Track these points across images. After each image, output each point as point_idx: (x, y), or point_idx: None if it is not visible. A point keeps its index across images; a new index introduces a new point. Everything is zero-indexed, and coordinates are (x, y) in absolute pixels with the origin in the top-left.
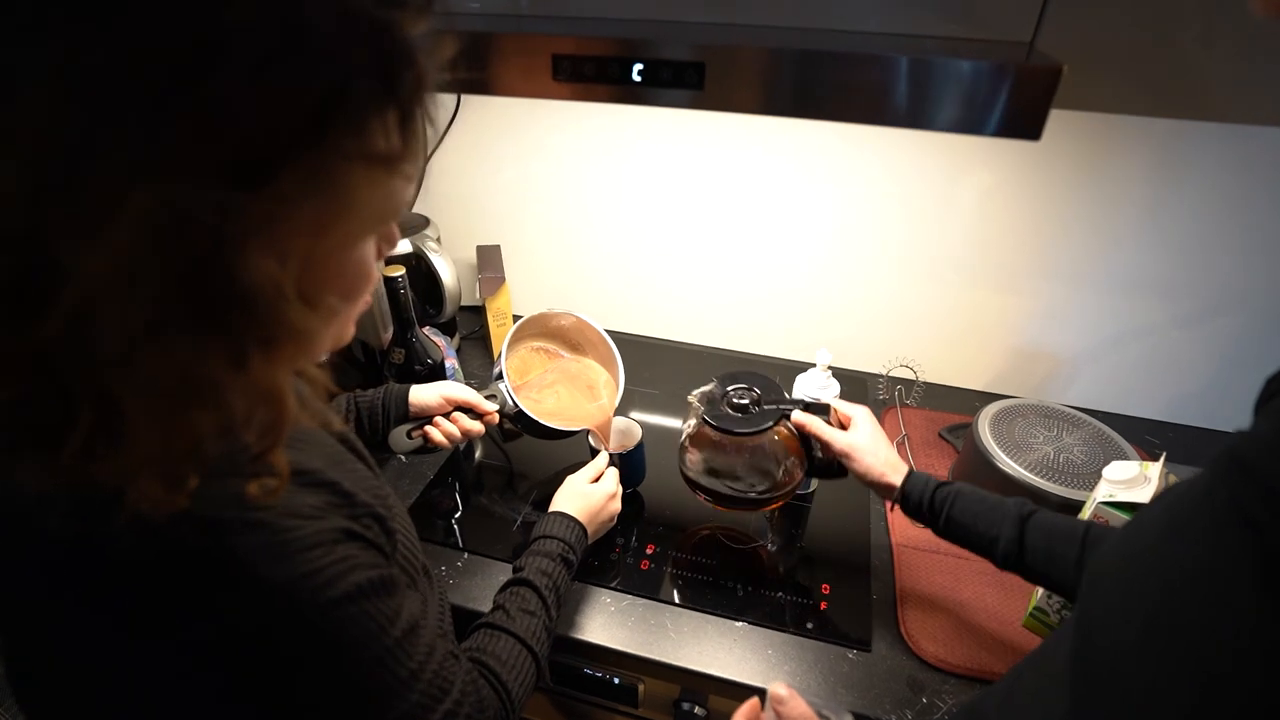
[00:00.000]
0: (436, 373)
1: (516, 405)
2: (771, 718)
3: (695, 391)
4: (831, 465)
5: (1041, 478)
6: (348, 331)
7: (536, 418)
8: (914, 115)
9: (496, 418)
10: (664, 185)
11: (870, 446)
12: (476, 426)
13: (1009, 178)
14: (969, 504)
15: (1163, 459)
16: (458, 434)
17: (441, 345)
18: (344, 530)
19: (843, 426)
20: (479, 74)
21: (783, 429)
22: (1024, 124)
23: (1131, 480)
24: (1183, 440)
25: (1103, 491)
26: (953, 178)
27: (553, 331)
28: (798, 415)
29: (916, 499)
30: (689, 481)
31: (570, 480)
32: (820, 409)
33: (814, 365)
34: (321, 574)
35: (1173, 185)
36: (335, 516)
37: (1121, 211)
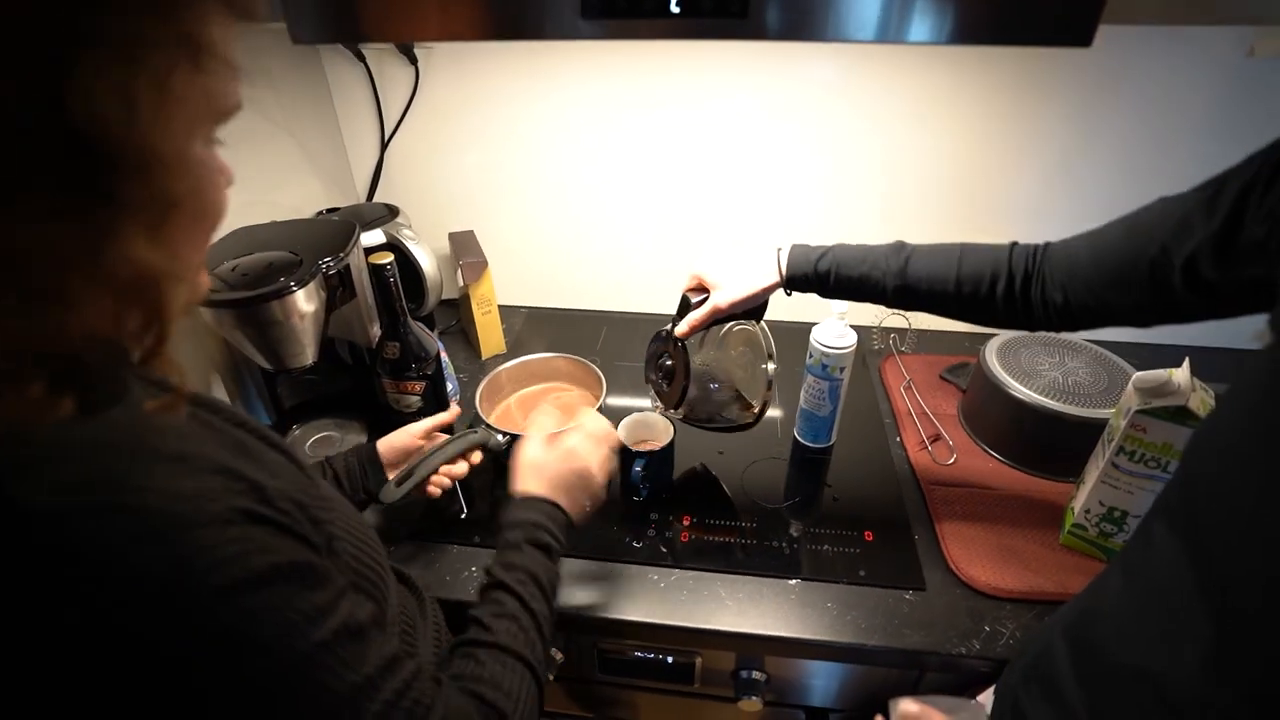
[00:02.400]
0: (434, 367)
1: (507, 434)
2: None
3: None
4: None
5: (1056, 400)
6: (203, 280)
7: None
8: (975, 26)
9: (478, 456)
10: (641, 156)
11: (730, 279)
12: (460, 469)
13: (965, 127)
14: (850, 264)
15: (1185, 363)
16: (447, 482)
17: (432, 338)
18: (243, 511)
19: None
20: (502, 15)
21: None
22: (1074, 30)
23: (1162, 386)
24: (1156, 358)
25: (1138, 401)
26: (923, 131)
27: (525, 376)
28: (681, 329)
29: (800, 276)
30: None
31: (520, 453)
32: (687, 305)
33: (829, 318)
34: (208, 554)
35: (1117, 113)
36: (232, 498)
37: (1072, 143)
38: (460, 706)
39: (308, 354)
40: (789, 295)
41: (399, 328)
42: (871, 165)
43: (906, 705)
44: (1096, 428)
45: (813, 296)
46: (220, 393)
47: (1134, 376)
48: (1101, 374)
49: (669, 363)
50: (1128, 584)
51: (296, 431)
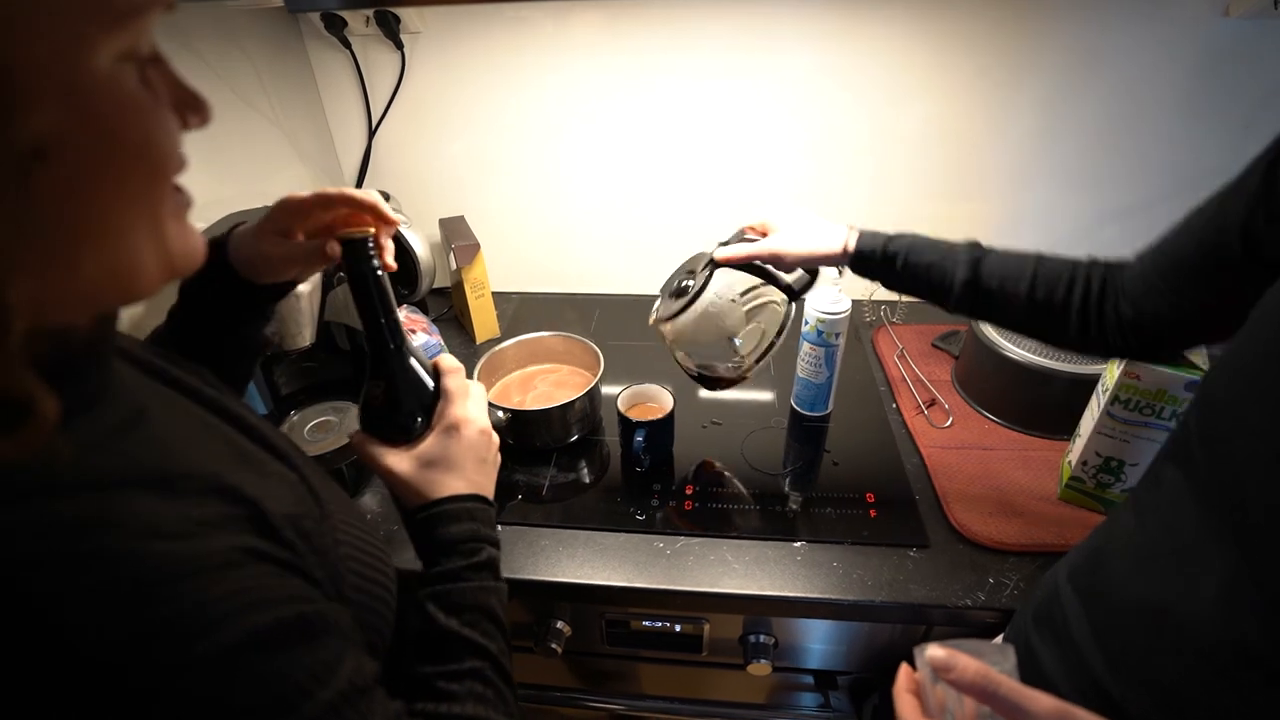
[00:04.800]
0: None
1: (505, 410)
2: (940, 688)
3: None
4: (798, 278)
5: (1049, 359)
6: (185, 245)
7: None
8: None
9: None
10: (629, 138)
11: (794, 230)
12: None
13: (951, 96)
14: (923, 250)
15: None
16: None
17: (423, 323)
18: (243, 550)
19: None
20: None
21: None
22: None
23: None
24: None
25: None
26: (907, 102)
27: (525, 356)
28: (721, 253)
29: (869, 252)
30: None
31: (432, 436)
32: (736, 238)
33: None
34: (199, 612)
35: (1095, 79)
36: (229, 533)
37: (1052, 110)
38: None
39: (306, 335)
40: (840, 275)
41: (387, 356)
42: (859, 139)
43: (933, 650)
44: (1089, 384)
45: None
46: None
47: None
48: None
49: (687, 283)
50: (1139, 524)
51: (294, 417)
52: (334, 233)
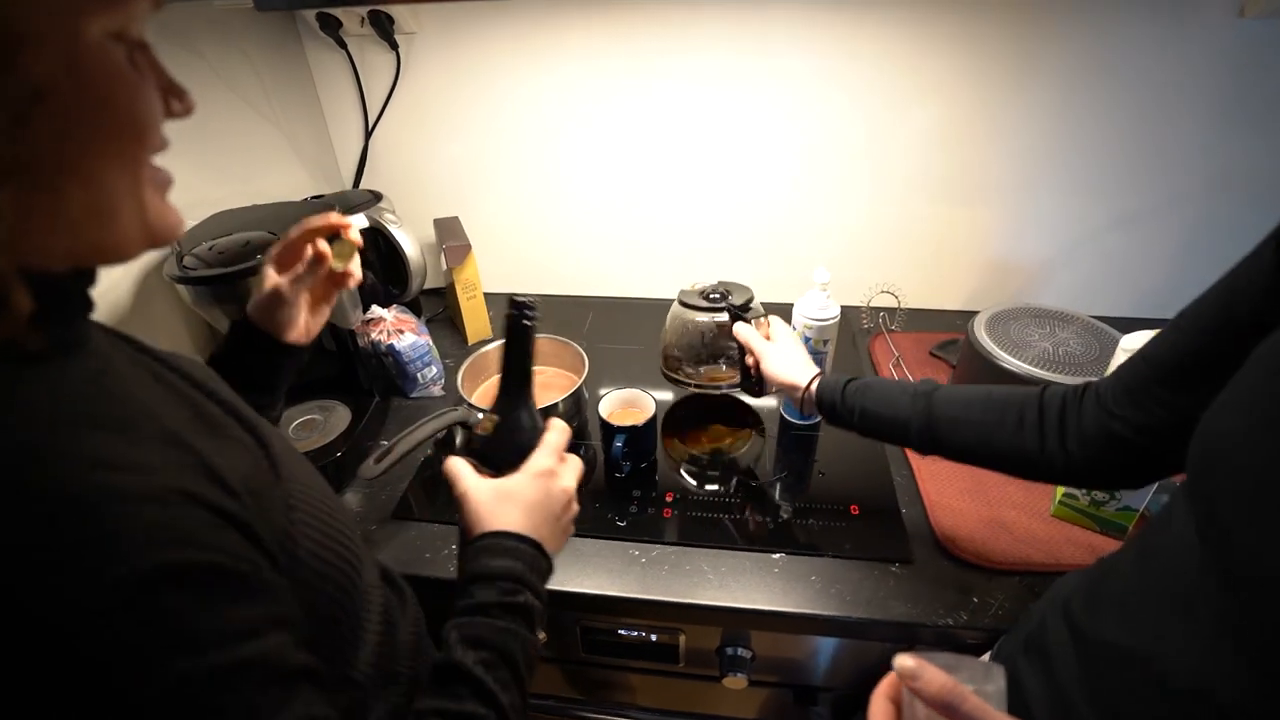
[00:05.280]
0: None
1: (487, 412)
2: (919, 704)
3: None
4: (758, 381)
5: (1047, 370)
6: (160, 214)
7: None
8: None
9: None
10: (624, 141)
11: (779, 351)
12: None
13: (952, 100)
14: (879, 393)
15: None
16: (356, 276)
17: (412, 323)
18: (183, 491)
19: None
20: None
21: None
22: None
23: None
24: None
25: (1119, 360)
26: (906, 106)
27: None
28: (738, 327)
29: (827, 402)
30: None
31: (517, 475)
32: (743, 312)
33: (811, 290)
34: (116, 540)
35: (1102, 84)
36: (174, 474)
37: (1058, 115)
38: None
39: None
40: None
41: (511, 397)
42: (856, 142)
43: (903, 659)
44: None
45: (794, 276)
46: None
47: (1123, 338)
48: (1093, 343)
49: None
50: (1141, 566)
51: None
52: (321, 261)
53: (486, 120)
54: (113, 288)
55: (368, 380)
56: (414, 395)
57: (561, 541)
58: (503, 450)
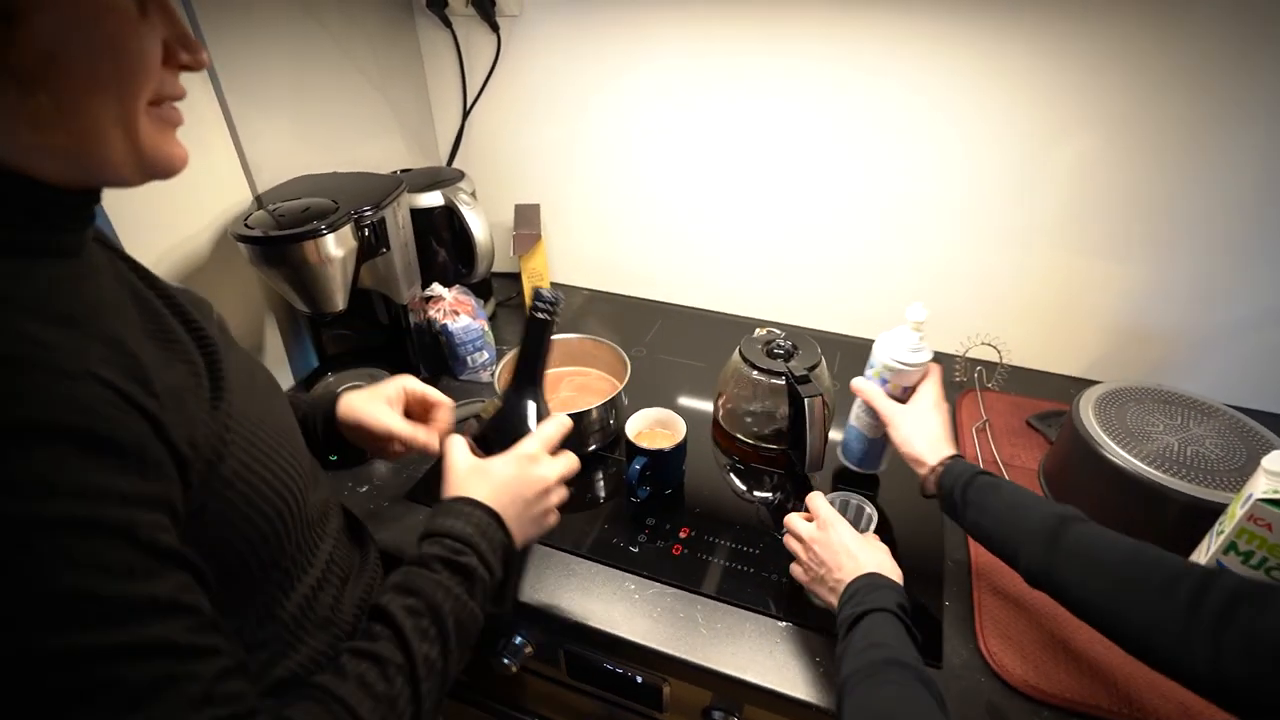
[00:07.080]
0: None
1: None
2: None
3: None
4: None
5: (1163, 472)
6: (156, 144)
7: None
8: None
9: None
10: (718, 146)
11: (913, 417)
12: (430, 442)
13: (1114, 132)
14: (995, 513)
15: None
16: (420, 439)
17: (471, 306)
18: (97, 376)
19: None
20: None
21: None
22: None
23: None
24: None
25: (1262, 486)
26: (1049, 137)
27: (558, 356)
28: (860, 383)
29: (946, 489)
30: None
31: (500, 455)
32: (802, 383)
33: (901, 325)
34: (7, 392)
35: None
36: (97, 363)
37: (1246, 165)
38: None
39: (338, 299)
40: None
41: (519, 389)
42: (977, 174)
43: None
44: (1210, 514)
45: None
46: (273, 334)
47: (1269, 455)
48: (1237, 447)
49: (783, 359)
50: None
51: (330, 379)
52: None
53: (578, 110)
54: (193, 237)
55: (416, 356)
56: (462, 377)
57: (532, 530)
58: (499, 434)
